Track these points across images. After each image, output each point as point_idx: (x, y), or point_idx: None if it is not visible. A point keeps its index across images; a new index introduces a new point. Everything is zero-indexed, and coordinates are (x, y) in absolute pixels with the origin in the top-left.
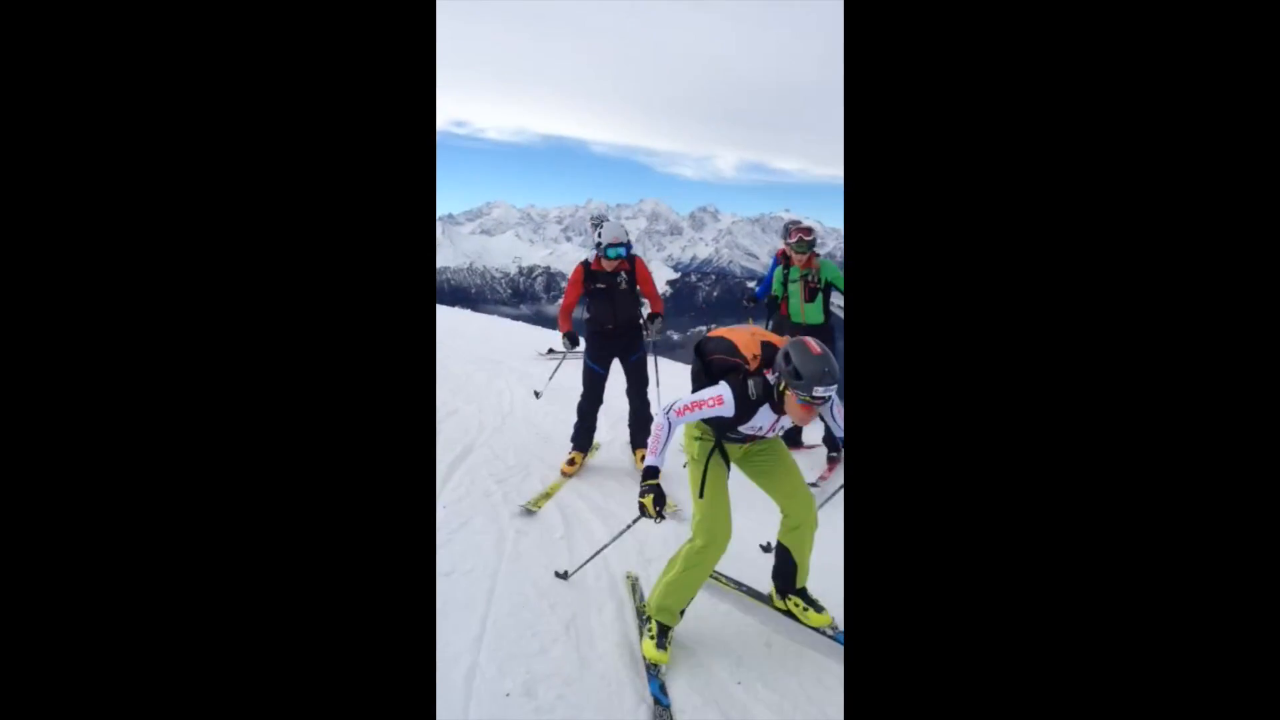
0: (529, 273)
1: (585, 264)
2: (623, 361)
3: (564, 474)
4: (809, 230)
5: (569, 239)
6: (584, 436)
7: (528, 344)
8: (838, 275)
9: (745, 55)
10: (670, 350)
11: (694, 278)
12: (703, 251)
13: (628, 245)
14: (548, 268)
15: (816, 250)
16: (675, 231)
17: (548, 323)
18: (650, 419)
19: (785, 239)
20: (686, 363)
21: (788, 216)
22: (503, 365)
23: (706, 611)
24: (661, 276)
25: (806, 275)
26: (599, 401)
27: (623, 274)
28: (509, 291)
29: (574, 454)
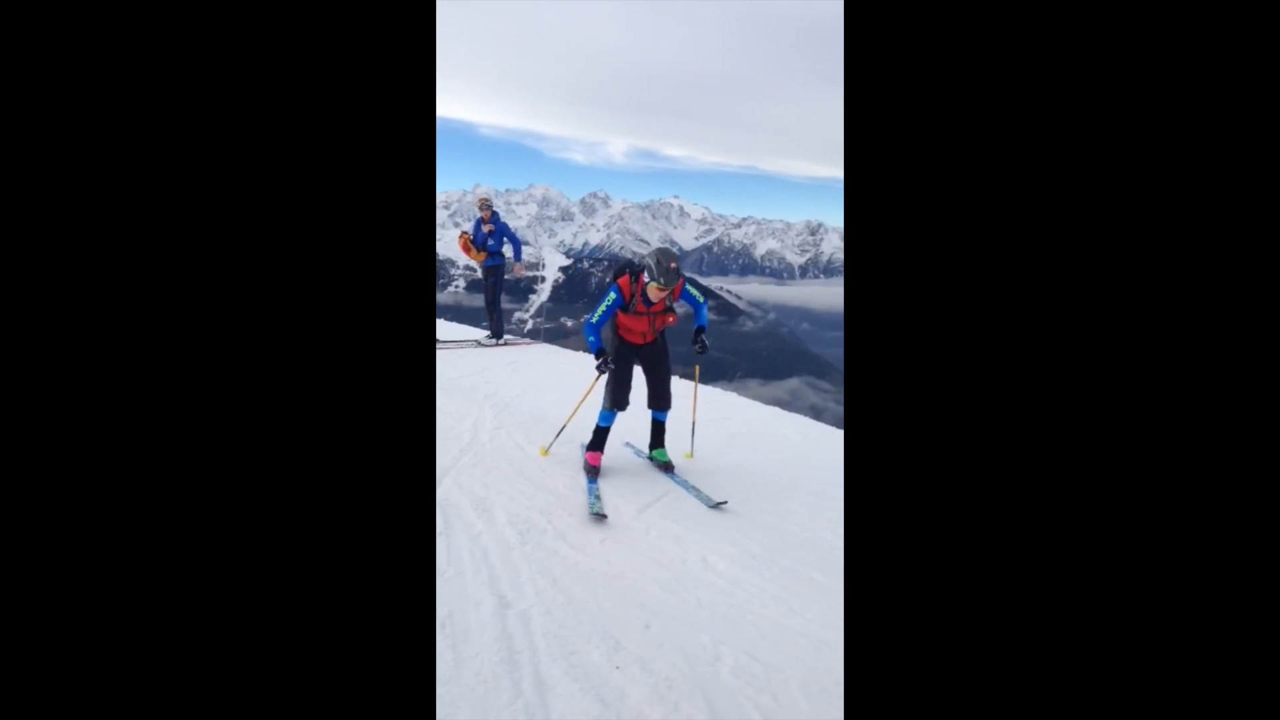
0: None
1: None
2: None
3: None
4: None
5: (456, 224)
6: None
7: None
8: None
9: (637, 43)
10: (564, 338)
11: (586, 264)
12: (595, 237)
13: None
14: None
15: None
16: (567, 217)
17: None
18: None
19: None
20: (577, 349)
21: (677, 203)
22: None
23: (584, 598)
24: (554, 263)
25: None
26: None
27: None
28: None
29: None
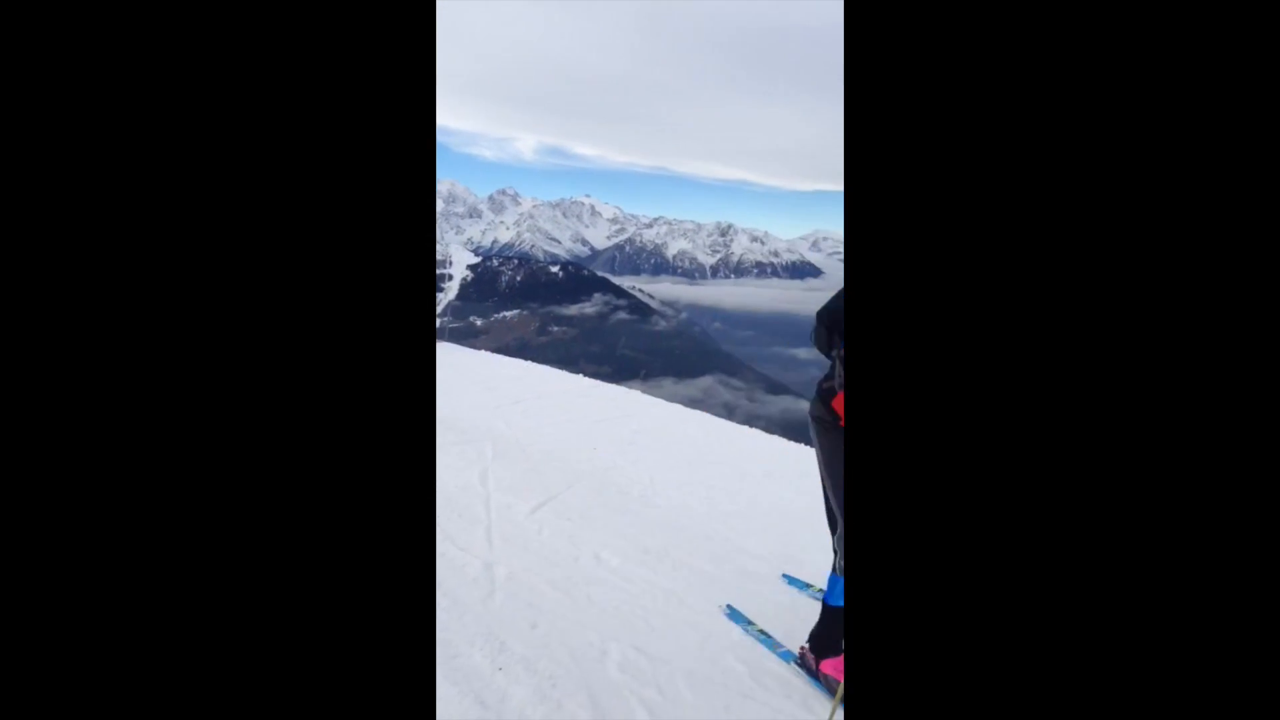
0: None
1: None
2: None
3: None
4: None
5: None
6: None
7: None
8: None
9: (546, 38)
10: (473, 337)
11: (496, 262)
12: (504, 235)
13: None
14: None
15: None
16: (474, 214)
17: None
18: None
19: None
20: (486, 349)
21: (589, 202)
22: None
23: (469, 600)
24: (461, 260)
25: None
26: None
27: None
28: None
29: None
